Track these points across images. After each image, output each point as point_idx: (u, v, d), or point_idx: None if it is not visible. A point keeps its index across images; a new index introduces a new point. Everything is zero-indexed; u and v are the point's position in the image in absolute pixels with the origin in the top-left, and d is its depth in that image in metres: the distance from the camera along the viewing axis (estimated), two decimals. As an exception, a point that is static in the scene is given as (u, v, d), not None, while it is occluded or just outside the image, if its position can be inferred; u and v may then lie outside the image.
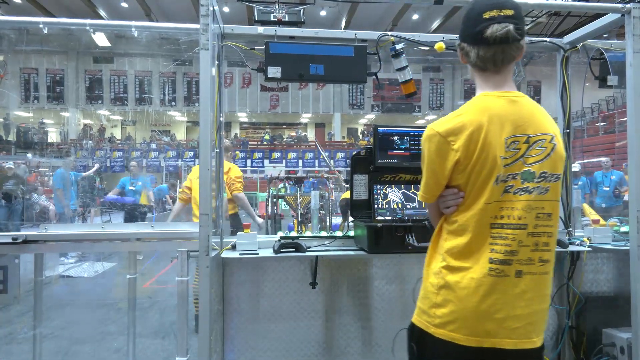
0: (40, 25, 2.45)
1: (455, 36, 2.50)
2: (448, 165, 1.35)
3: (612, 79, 2.59)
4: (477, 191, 1.34)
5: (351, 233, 2.54)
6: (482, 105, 1.37)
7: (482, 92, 1.41)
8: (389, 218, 2.36)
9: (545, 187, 1.34)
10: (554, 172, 1.35)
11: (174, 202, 15.99)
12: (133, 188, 8.26)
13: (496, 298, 1.30)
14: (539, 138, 1.35)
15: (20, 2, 18.62)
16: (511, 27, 1.31)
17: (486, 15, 1.33)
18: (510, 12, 1.33)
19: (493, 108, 1.35)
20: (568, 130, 2.71)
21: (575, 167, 8.30)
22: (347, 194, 7.09)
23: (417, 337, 1.42)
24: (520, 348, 1.31)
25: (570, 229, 2.67)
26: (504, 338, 1.30)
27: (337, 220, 8.30)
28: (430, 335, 1.36)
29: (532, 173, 1.33)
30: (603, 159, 9.36)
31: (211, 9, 2.04)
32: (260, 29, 2.47)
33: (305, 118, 27.63)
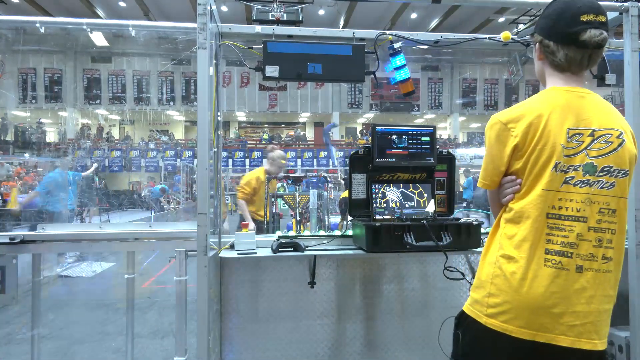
0: (38, 25, 2.43)
1: (452, 35, 2.52)
2: (507, 151, 1.37)
3: (610, 78, 2.59)
4: (535, 177, 1.34)
5: (350, 232, 2.53)
6: (547, 96, 1.39)
7: (551, 87, 1.42)
8: (388, 217, 2.36)
9: (610, 182, 1.33)
10: (620, 167, 1.33)
11: (167, 202, 15.99)
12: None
13: (553, 291, 1.29)
14: (605, 132, 1.34)
15: (18, 1, 18.58)
16: (605, 34, 1.34)
17: (584, 18, 1.33)
18: (604, 19, 1.35)
19: (558, 100, 1.37)
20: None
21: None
22: (346, 193, 7.10)
23: (466, 325, 1.41)
24: (578, 347, 1.28)
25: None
26: (559, 334, 1.28)
27: (335, 219, 8.29)
28: (481, 325, 1.35)
29: (595, 166, 1.32)
30: None
31: (209, 8, 2.03)
32: (258, 28, 2.46)
33: (303, 117, 27.61)
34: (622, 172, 1.34)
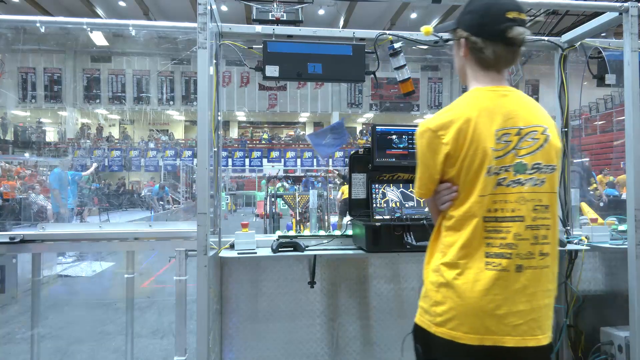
0: (38, 24, 2.43)
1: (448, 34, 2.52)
2: (439, 159, 1.36)
3: (610, 78, 2.59)
4: (470, 183, 1.34)
5: (350, 232, 2.53)
6: (472, 99, 1.39)
7: (474, 87, 1.42)
8: (388, 217, 2.36)
9: (541, 178, 1.34)
10: (548, 163, 1.35)
11: (167, 202, 15.96)
12: None
13: (496, 293, 1.29)
14: (530, 130, 1.34)
15: (18, 1, 18.57)
16: (528, 32, 1.35)
17: (510, 15, 1.34)
18: (525, 17, 1.36)
19: (483, 101, 1.36)
20: (566, 129, 2.72)
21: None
22: (343, 189, 7.15)
23: (421, 337, 1.40)
24: (524, 346, 1.29)
25: (569, 228, 2.67)
26: (504, 335, 1.28)
27: (335, 219, 8.30)
28: (432, 334, 1.35)
29: (524, 165, 1.33)
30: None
31: (209, 7, 2.03)
32: (258, 28, 2.46)
33: (303, 117, 27.61)
34: (551, 167, 1.36)
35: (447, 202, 1.40)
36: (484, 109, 1.34)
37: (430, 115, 27.12)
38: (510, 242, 1.30)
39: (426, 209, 2.44)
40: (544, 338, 1.32)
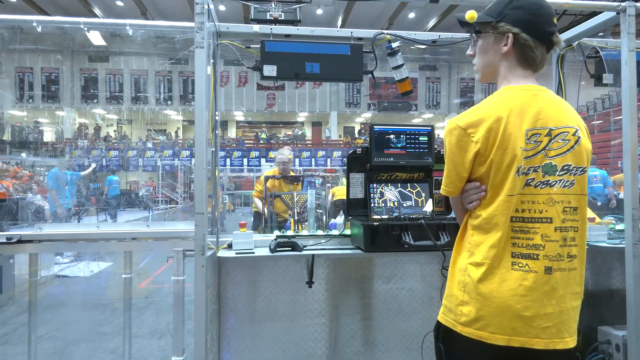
0: (35, 24, 2.43)
1: (450, 34, 2.52)
2: (468, 157, 1.35)
3: (608, 77, 2.60)
4: (498, 183, 1.32)
5: (347, 232, 2.53)
6: (503, 98, 1.37)
7: (505, 86, 1.41)
8: (386, 217, 2.36)
9: (570, 180, 1.33)
10: (578, 165, 1.34)
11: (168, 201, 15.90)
12: None
13: (523, 295, 1.28)
14: (561, 131, 1.33)
15: (15, 0, 18.51)
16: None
17: (555, 21, 1.40)
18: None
19: (514, 101, 1.35)
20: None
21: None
22: (334, 190, 7.13)
23: (444, 336, 1.40)
24: (552, 348, 1.28)
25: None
26: (533, 338, 1.27)
27: (333, 218, 8.28)
28: (457, 333, 1.34)
29: (554, 166, 1.31)
30: None
31: (206, 7, 2.02)
32: (256, 28, 2.46)
33: (301, 117, 27.61)
34: (581, 169, 1.35)
35: (475, 202, 1.38)
36: (515, 107, 1.33)
37: (428, 115, 27.00)
38: (537, 243, 1.30)
39: (424, 209, 2.44)
40: (571, 341, 1.31)
